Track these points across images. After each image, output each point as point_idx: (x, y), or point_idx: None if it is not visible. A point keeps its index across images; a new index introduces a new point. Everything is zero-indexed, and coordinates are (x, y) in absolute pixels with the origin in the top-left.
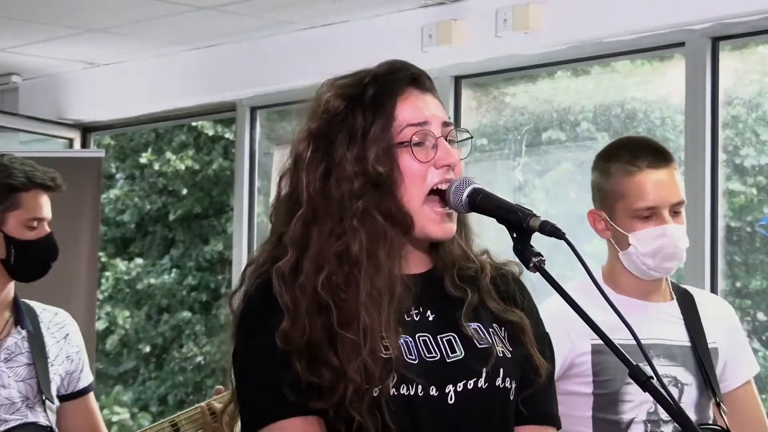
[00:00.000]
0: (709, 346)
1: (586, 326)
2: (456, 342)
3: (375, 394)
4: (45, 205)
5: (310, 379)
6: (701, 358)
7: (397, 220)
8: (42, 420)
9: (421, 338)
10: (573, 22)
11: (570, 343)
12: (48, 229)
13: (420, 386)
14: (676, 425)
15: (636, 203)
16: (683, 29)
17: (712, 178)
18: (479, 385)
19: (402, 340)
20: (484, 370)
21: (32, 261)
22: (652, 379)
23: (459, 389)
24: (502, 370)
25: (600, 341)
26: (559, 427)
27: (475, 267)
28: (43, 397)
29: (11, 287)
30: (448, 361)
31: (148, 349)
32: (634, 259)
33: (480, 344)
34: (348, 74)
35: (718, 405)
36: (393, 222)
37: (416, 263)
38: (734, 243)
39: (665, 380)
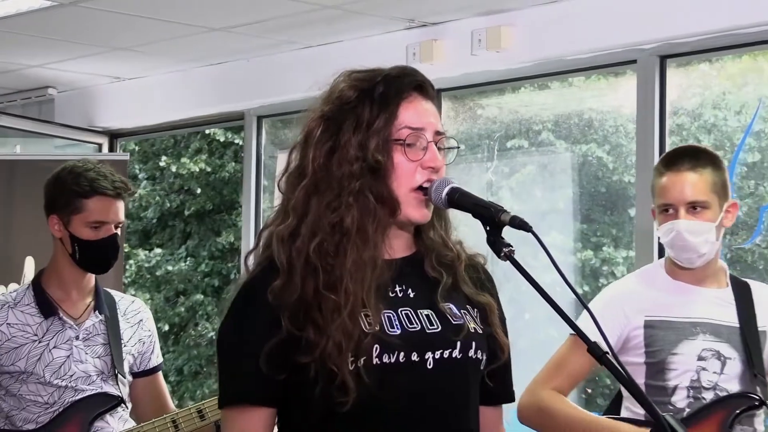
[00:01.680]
0: (759, 329)
1: (640, 304)
2: (433, 317)
3: (360, 364)
4: (109, 209)
5: (295, 333)
6: (746, 337)
7: (387, 203)
8: (114, 391)
9: (403, 312)
10: (539, 41)
11: (626, 320)
12: (113, 231)
13: (402, 353)
14: (717, 392)
15: (658, 200)
16: (635, 48)
17: None
18: (454, 355)
19: (385, 315)
20: (458, 342)
21: (92, 257)
22: (608, 354)
23: (437, 357)
24: (474, 343)
25: (652, 317)
26: (513, 401)
27: (452, 255)
28: (116, 372)
29: (91, 278)
30: (427, 332)
31: (166, 327)
32: (665, 248)
33: (454, 321)
34: (364, 69)
35: (755, 377)
36: (383, 204)
37: (401, 248)
38: None
39: (709, 353)
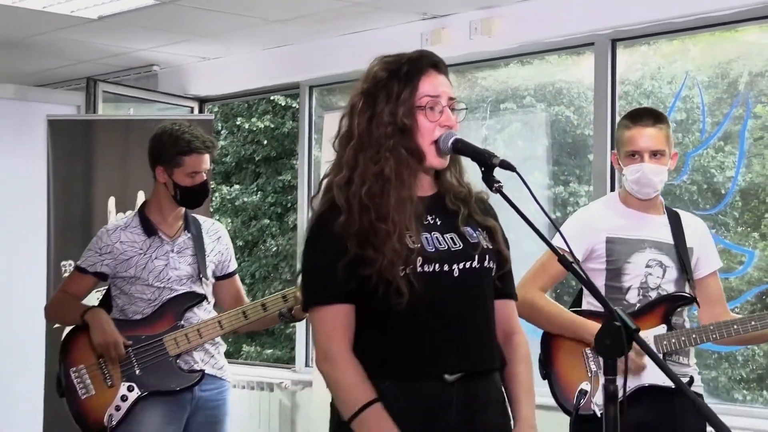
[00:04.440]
0: (687, 245)
1: (603, 224)
2: (456, 238)
3: (408, 271)
4: (202, 162)
5: (360, 253)
6: (680, 251)
7: (415, 154)
8: (200, 290)
9: (434, 235)
10: (521, 29)
11: (592, 236)
12: (204, 177)
13: (437, 265)
14: (659, 292)
15: (626, 147)
16: (593, 34)
17: (612, 132)
18: (473, 266)
19: (423, 236)
20: (476, 255)
21: (190, 198)
22: (574, 263)
23: (461, 267)
24: (487, 256)
25: (612, 234)
26: (516, 299)
27: (464, 192)
28: (201, 276)
29: (182, 208)
30: (452, 249)
31: (242, 243)
32: (627, 184)
33: (471, 240)
34: (392, 54)
35: (688, 281)
36: (412, 155)
37: (427, 188)
38: None
39: (654, 263)
